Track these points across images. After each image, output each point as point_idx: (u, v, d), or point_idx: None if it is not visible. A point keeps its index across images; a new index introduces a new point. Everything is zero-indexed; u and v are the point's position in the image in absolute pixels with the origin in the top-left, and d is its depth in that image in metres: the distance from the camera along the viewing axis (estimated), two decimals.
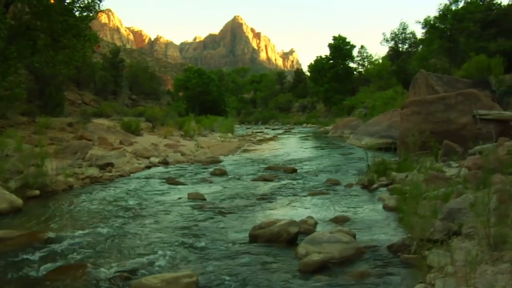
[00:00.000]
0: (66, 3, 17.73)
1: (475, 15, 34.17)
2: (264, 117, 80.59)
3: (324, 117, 59.67)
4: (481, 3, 37.11)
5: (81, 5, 18.55)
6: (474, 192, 6.47)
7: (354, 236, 5.67)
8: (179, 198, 8.88)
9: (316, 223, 6.53)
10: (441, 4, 36.03)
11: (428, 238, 4.98)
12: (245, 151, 20.97)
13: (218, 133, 30.25)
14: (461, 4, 36.99)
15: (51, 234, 6.15)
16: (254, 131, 41.94)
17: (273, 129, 46.80)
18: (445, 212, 5.33)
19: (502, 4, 36.07)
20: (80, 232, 6.40)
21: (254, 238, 5.86)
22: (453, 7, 36.60)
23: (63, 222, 7.19)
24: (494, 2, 37.56)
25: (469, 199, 5.47)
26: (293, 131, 42.76)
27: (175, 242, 5.86)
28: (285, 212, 7.60)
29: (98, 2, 19.74)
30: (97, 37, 21.90)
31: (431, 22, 36.67)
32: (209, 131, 30.39)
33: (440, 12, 36.36)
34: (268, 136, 32.16)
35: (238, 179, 11.75)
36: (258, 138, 30.57)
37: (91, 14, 19.65)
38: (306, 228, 6.12)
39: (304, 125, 57.65)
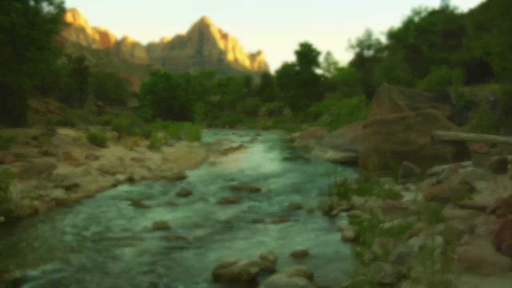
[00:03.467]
0: (29, 17, 17.64)
1: (437, 26, 35.11)
2: (231, 121, 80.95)
3: (290, 122, 60.33)
4: (442, 14, 38.16)
5: (45, 18, 18.49)
6: (427, 225, 6.83)
7: (311, 276, 5.95)
8: (144, 227, 9.03)
9: (276, 259, 6.78)
10: (404, 15, 36.95)
11: (379, 282, 5.29)
12: (212, 164, 21.15)
13: (185, 142, 30.32)
14: (423, 14, 37.95)
15: (18, 273, 6.24)
16: (221, 138, 42.06)
17: (240, 136, 46.97)
18: (396, 255, 5.66)
19: (463, 12, 37.18)
20: (46, 269, 6.51)
21: (216, 277, 6.09)
22: (416, 18, 37.49)
23: (29, 256, 7.26)
24: (456, 13, 38.68)
25: (418, 242, 5.82)
26: (260, 138, 43.08)
27: (140, 283, 6.03)
28: (247, 244, 7.83)
29: (62, 13, 19.70)
30: (62, 50, 21.78)
31: (395, 33, 37.50)
32: (176, 139, 30.44)
33: (404, 24, 37.23)
34: (234, 145, 32.35)
35: (203, 200, 11.97)
36: (225, 147, 30.74)
37: (56, 25, 19.56)
38: (266, 266, 6.38)
39: (271, 130, 58.05)
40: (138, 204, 11.29)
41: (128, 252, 7.42)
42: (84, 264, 6.76)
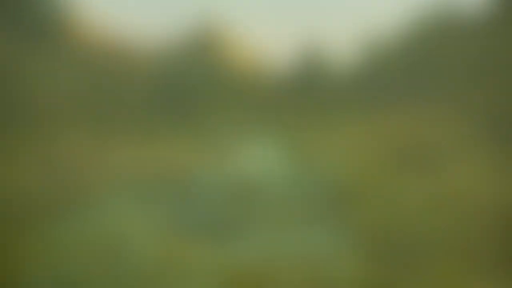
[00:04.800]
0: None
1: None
2: None
3: None
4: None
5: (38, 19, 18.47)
6: None
7: (315, 277, 5.88)
8: (145, 227, 8.92)
9: (285, 265, 6.67)
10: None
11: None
12: (212, 161, 20.99)
13: None
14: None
15: (16, 274, 6.15)
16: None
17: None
18: None
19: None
20: (46, 268, 6.42)
21: (219, 278, 6.01)
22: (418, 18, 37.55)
23: (30, 256, 7.17)
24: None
25: None
26: None
27: (143, 284, 5.95)
28: (250, 245, 7.73)
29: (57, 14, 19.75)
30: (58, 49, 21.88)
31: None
32: None
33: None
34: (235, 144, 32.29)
35: (205, 199, 11.82)
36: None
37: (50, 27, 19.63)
38: (274, 272, 6.29)
39: None
40: (139, 202, 11.19)
41: (130, 252, 7.32)
42: (86, 264, 6.66)
